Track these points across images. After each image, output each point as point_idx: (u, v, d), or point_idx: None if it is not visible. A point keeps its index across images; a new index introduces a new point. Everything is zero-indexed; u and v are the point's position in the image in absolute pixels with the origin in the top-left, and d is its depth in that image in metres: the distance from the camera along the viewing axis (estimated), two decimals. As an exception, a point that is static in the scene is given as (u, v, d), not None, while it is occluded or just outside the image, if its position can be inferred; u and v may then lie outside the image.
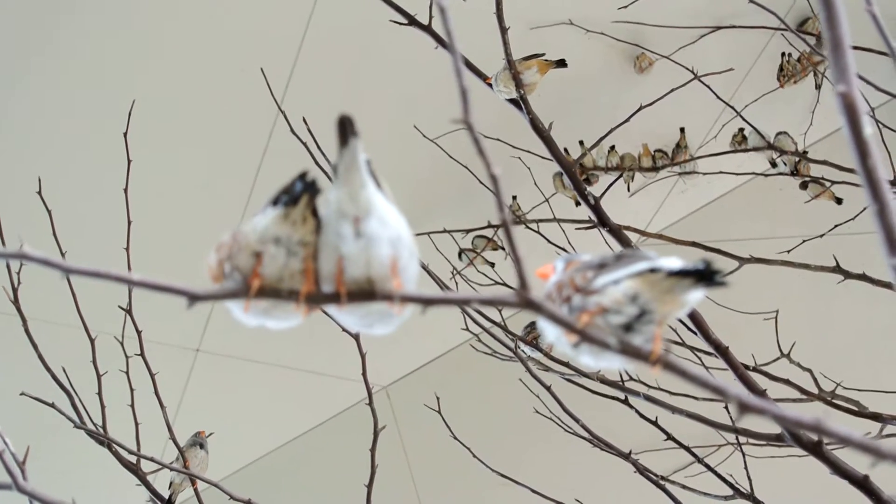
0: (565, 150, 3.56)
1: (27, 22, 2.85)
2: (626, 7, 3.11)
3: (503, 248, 3.79)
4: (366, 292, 0.78)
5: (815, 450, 1.78)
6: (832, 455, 1.78)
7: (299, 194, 0.82)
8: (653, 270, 0.79)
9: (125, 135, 2.09)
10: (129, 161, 2.10)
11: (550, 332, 0.84)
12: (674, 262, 0.79)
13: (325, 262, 0.81)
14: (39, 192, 2.13)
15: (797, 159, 3.47)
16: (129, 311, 2.14)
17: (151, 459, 1.86)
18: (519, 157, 3.08)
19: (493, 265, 3.84)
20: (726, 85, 3.40)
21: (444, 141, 3.15)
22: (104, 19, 2.95)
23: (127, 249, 2.12)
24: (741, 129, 3.65)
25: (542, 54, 2.30)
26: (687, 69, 2.76)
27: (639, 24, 3.33)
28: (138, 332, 2.11)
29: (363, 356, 1.86)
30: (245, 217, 3.35)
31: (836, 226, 3.02)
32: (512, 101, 2.23)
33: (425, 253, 2.70)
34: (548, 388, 2.14)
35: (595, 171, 3.65)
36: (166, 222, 3.12)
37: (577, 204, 3.63)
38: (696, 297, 0.80)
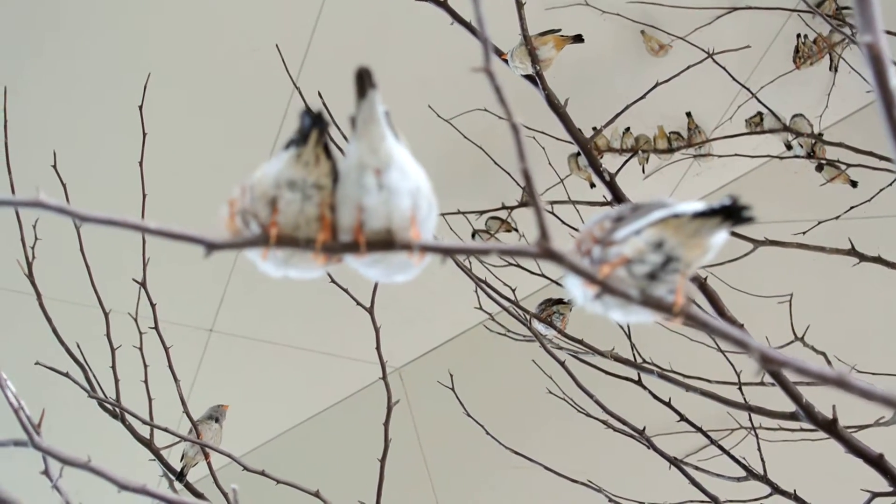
0: (578, 130, 3.56)
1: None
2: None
3: (517, 230, 3.78)
4: (384, 241, 0.78)
5: (830, 428, 1.77)
6: (846, 433, 1.77)
7: (308, 130, 0.82)
8: (676, 216, 0.78)
9: (140, 108, 2.09)
10: (144, 134, 2.10)
11: (573, 286, 0.83)
12: (697, 205, 0.78)
13: (344, 215, 0.81)
14: (54, 166, 2.13)
15: (813, 142, 3.46)
16: (143, 285, 2.14)
17: (165, 430, 1.85)
18: (533, 138, 3.08)
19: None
20: (742, 67, 3.38)
21: (459, 122, 3.14)
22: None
23: (142, 216, 2.09)
24: (759, 113, 3.63)
25: (559, 30, 2.29)
26: (702, 50, 2.74)
27: (654, 5, 3.32)
28: (152, 305, 2.11)
29: (377, 330, 1.85)
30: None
31: (851, 207, 3.01)
32: (528, 77, 2.22)
33: (439, 233, 2.71)
34: (562, 364, 2.13)
35: (610, 151, 3.63)
36: (181, 195, 3.11)
37: (592, 186, 3.63)
38: (721, 238, 0.79)
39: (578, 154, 3.61)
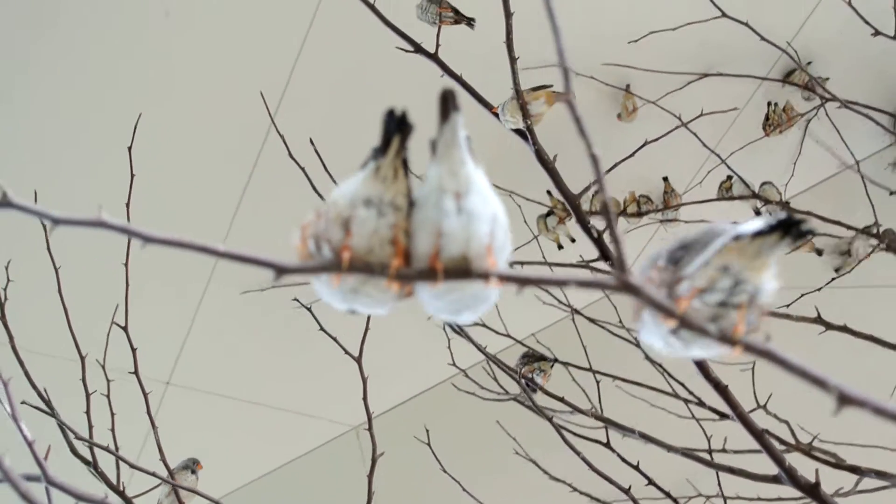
0: (548, 192, 3.56)
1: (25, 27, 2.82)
2: (636, 39, 3.12)
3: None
4: (461, 270, 0.75)
5: (813, 492, 1.76)
6: (829, 498, 1.76)
7: (391, 135, 0.79)
8: (737, 238, 0.78)
9: (130, 149, 2.06)
10: (132, 175, 2.06)
11: (645, 324, 0.81)
12: (755, 224, 0.78)
13: (419, 241, 0.78)
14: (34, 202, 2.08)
15: (781, 208, 3.48)
16: (125, 329, 2.09)
17: (153, 474, 1.79)
18: (510, 194, 3.07)
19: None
20: (712, 133, 3.41)
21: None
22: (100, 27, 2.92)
23: (126, 264, 2.09)
24: (729, 177, 3.66)
25: (550, 85, 2.30)
26: (673, 115, 2.76)
27: (628, 68, 3.34)
28: (133, 350, 2.07)
29: (365, 381, 1.82)
30: (230, 231, 3.31)
31: (832, 279, 3.04)
32: (517, 131, 2.22)
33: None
34: (549, 420, 2.11)
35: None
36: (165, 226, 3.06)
37: (560, 247, 3.63)
38: (779, 254, 0.79)
39: (547, 215, 3.61)
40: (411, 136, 0.81)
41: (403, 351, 3.76)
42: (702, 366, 1.96)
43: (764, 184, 3.55)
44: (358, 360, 1.83)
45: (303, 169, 2.16)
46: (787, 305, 2.84)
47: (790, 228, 0.76)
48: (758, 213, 3.61)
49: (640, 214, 3.68)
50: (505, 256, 0.81)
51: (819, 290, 2.99)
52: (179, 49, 3.06)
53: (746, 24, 2.39)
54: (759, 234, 0.77)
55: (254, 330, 3.72)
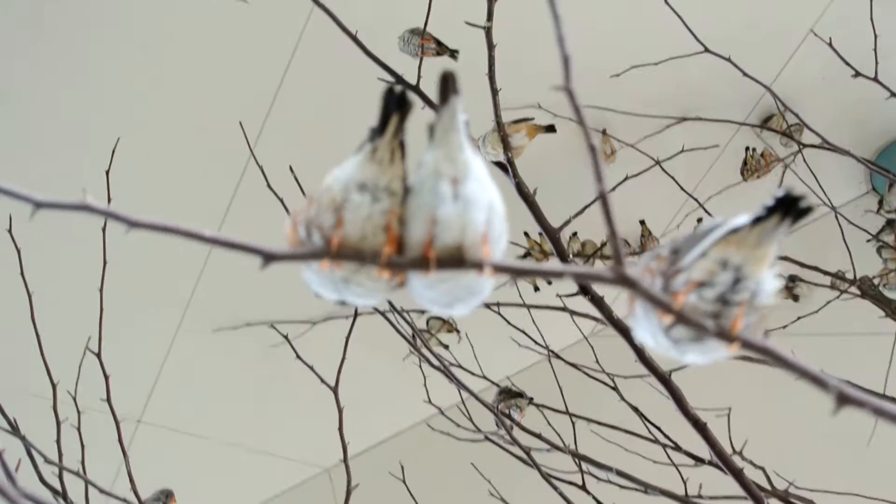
0: (525, 233, 3.55)
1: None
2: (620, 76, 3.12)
3: (458, 331, 3.74)
4: (455, 259, 0.73)
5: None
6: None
7: (389, 112, 0.77)
8: (734, 231, 0.76)
9: (107, 172, 2.04)
10: (108, 200, 2.04)
11: (639, 320, 0.79)
12: (749, 215, 0.76)
13: (413, 230, 0.76)
14: (10, 230, 2.08)
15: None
16: (98, 356, 2.07)
17: (124, 501, 1.76)
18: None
19: (447, 347, 3.78)
20: (690, 176, 3.41)
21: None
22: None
23: (101, 290, 2.07)
24: (700, 220, 3.66)
25: (532, 119, 2.30)
26: (651, 157, 2.77)
27: (607, 111, 3.34)
28: (106, 378, 2.04)
29: (340, 410, 1.80)
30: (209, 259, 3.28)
31: (798, 318, 3.03)
32: (497, 164, 2.21)
33: (381, 330, 2.66)
34: (527, 452, 2.08)
35: (555, 256, 3.63)
36: (138, 266, 3.03)
37: (536, 289, 3.62)
38: (779, 241, 0.77)
39: (525, 256, 3.60)
40: (410, 115, 0.79)
41: (379, 389, 3.73)
42: (680, 402, 1.95)
43: (740, 230, 3.56)
44: (334, 389, 1.81)
45: (281, 200, 2.15)
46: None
47: (790, 207, 0.74)
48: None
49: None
50: (501, 246, 0.79)
51: (784, 327, 2.98)
52: (159, 78, 3.05)
53: (729, 60, 2.39)
54: (758, 221, 0.75)
55: (227, 368, 3.69)
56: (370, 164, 0.78)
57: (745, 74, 2.40)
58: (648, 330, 0.79)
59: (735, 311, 0.75)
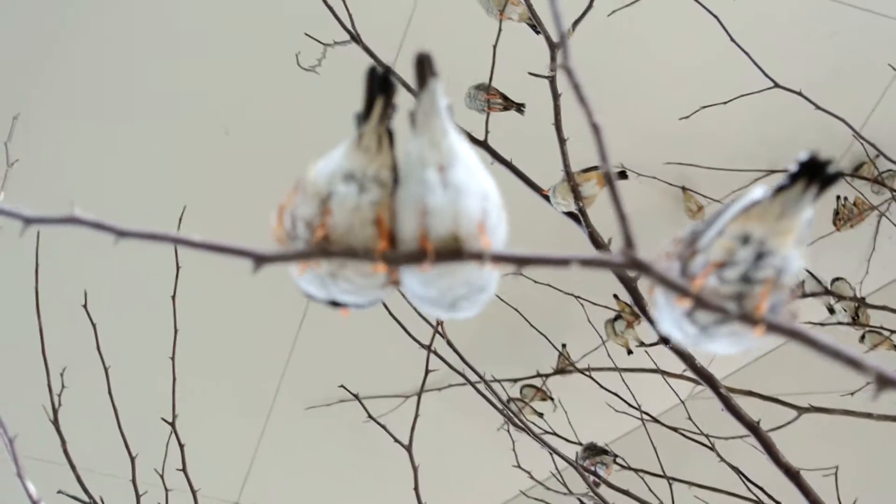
0: (615, 296, 3.50)
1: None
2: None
3: (552, 398, 3.68)
4: (452, 251, 0.70)
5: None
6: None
7: (373, 94, 0.75)
8: (756, 203, 0.71)
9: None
10: (177, 267, 2.06)
11: (661, 309, 0.75)
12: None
13: (404, 222, 0.72)
14: (84, 306, 2.10)
15: (856, 306, 3.38)
16: (172, 425, 2.07)
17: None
18: (577, 298, 3.03)
19: (541, 415, 3.72)
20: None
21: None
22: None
23: (172, 358, 2.07)
24: (790, 275, 3.57)
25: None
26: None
27: (690, 166, 3.29)
28: (181, 446, 2.04)
29: (415, 469, 1.76)
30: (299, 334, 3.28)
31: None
32: (569, 214, 2.18)
33: (473, 401, 2.62)
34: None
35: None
36: (213, 330, 3.05)
37: (630, 352, 3.55)
38: (808, 212, 0.71)
39: (616, 319, 3.54)
40: (396, 97, 0.76)
41: (473, 461, 3.68)
42: (771, 450, 1.88)
43: (836, 279, 3.45)
44: (408, 448, 1.77)
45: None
46: (852, 394, 2.76)
47: (815, 173, 0.68)
48: (831, 310, 3.50)
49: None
50: (500, 236, 0.75)
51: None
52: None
53: (800, 94, 2.33)
54: (781, 190, 0.70)
55: (322, 445, 3.67)
56: (356, 152, 0.75)
57: (817, 107, 2.34)
58: (672, 319, 0.74)
59: (759, 289, 0.69)
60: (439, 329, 2.00)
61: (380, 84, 0.74)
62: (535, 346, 3.21)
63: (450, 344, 2.08)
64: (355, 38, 2.20)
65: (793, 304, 0.71)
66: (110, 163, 3.02)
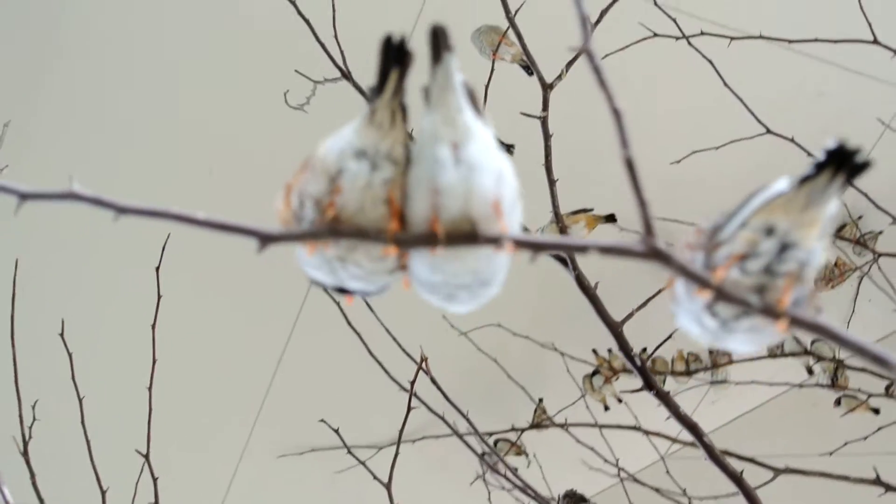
0: (593, 350, 3.47)
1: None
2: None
3: (526, 454, 3.64)
4: (466, 234, 0.67)
5: None
6: None
7: (388, 67, 0.72)
8: (778, 195, 0.69)
9: (157, 269, 2.03)
10: (158, 297, 2.03)
11: (681, 302, 0.72)
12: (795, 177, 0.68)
13: (415, 202, 0.69)
14: (62, 334, 2.07)
15: (835, 367, 3.37)
16: (146, 457, 2.02)
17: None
18: (557, 350, 3.01)
19: (515, 470, 3.67)
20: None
21: (475, 336, 3.07)
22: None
23: (150, 389, 2.04)
24: (775, 335, 3.56)
25: (591, 209, 2.26)
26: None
27: (675, 223, 3.28)
28: (154, 479, 2.00)
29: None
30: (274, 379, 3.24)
31: (879, 429, 2.92)
32: (557, 257, 2.16)
33: (446, 454, 2.59)
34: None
35: (625, 372, 3.53)
36: (189, 362, 2.99)
37: (606, 408, 3.52)
38: (833, 204, 0.69)
39: (593, 374, 3.52)
40: (411, 69, 0.74)
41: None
42: (754, 501, 1.85)
43: (815, 340, 3.45)
44: (387, 486, 1.74)
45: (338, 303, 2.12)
46: (830, 454, 2.74)
47: (843, 162, 0.66)
48: (810, 371, 3.49)
49: (688, 373, 3.56)
50: (516, 220, 0.72)
51: (865, 438, 2.88)
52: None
53: (793, 141, 2.33)
54: (806, 180, 0.68)
55: (293, 494, 3.61)
56: (369, 128, 0.72)
57: (809, 155, 2.33)
58: (691, 313, 0.72)
59: (782, 282, 0.67)
60: (423, 366, 1.97)
61: (395, 55, 0.72)
62: (512, 398, 3.18)
63: (433, 381, 2.05)
64: (346, 76, 2.18)
65: (816, 298, 0.69)
66: (92, 211, 2.98)
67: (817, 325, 0.62)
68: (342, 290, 0.78)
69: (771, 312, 0.64)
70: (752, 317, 0.67)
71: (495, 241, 0.66)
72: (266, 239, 0.63)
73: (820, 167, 0.67)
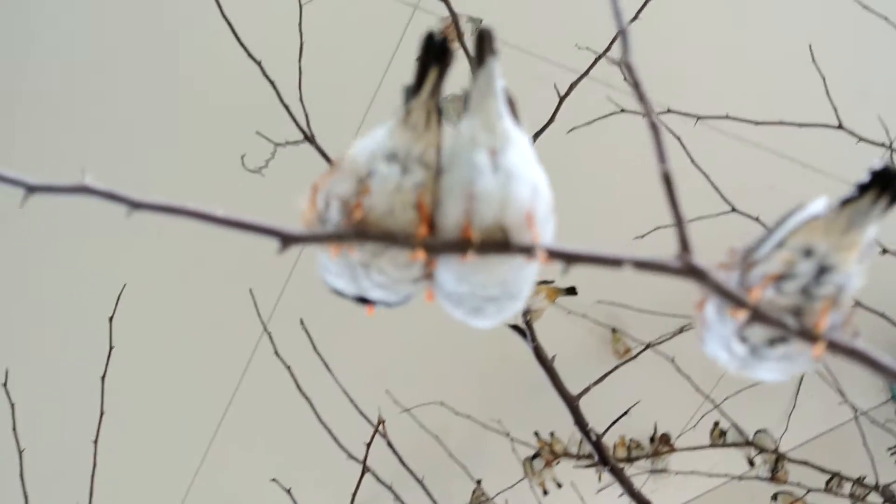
0: (535, 433, 3.45)
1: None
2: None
3: (468, 532, 3.59)
4: (498, 242, 0.65)
5: None
6: None
7: (428, 65, 0.70)
8: (817, 217, 0.67)
9: (111, 319, 1.99)
10: (110, 347, 1.98)
11: (712, 326, 0.70)
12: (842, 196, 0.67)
13: (447, 209, 0.67)
14: (4, 384, 2.01)
15: (776, 458, 3.38)
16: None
17: None
18: (499, 421, 2.99)
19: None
20: (706, 377, 3.33)
21: (417, 412, 3.04)
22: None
23: (95, 443, 1.97)
24: (716, 423, 3.54)
25: (552, 281, 2.26)
26: (666, 357, 2.74)
27: (622, 307, 3.29)
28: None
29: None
30: (215, 436, 3.16)
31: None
32: (514, 328, 2.14)
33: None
34: None
35: (566, 457, 3.50)
36: (141, 415, 2.91)
37: (546, 493, 3.48)
38: (874, 228, 0.67)
39: (534, 457, 3.48)
40: (450, 70, 0.72)
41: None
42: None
43: (758, 432, 3.45)
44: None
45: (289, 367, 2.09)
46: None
47: (888, 184, 0.65)
48: (751, 462, 3.49)
49: (629, 460, 3.54)
50: (549, 232, 0.70)
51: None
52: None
53: (758, 220, 2.35)
54: (848, 202, 0.66)
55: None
56: (403, 129, 0.71)
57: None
58: (721, 337, 0.70)
59: (818, 306, 0.66)
60: (381, 429, 1.94)
61: (436, 52, 0.70)
62: (451, 481, 3.13)
63: (390, 445, 2.02)
64: (309, 139, 2.16)
65: (852, 323, 0.68)
66: (43, 259, 2.92)
67: (855, 350, 0.61)
68: (363, 301, 0.75)
69: (808, 335, 0.62)
70: (785, 344, 0.65)
71: (528, 250, 0.65)
72: (288, 239, 0.61)
73: (863, 189, 0.66)
